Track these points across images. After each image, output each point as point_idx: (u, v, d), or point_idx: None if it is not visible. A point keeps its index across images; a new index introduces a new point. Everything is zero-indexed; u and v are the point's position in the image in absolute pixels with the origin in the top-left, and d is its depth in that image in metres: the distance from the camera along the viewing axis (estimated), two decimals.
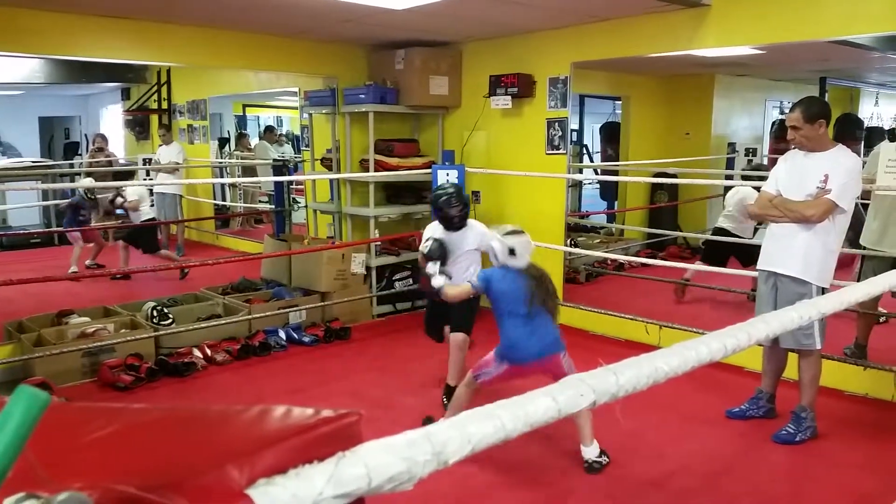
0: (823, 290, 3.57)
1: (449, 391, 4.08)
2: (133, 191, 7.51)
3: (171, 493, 0.60)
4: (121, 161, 10.83)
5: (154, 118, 10.77)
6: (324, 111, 6.71)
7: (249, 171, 10.71)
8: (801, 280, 3.56)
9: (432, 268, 3.76)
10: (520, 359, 3.43)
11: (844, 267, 4.60)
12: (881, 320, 4.93)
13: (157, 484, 0.60)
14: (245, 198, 11.28)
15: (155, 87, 10.46)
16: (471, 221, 4.37)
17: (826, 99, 7.44)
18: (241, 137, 11.66)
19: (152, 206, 8.12)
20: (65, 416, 0.77)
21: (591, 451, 3.41)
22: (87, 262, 7.76)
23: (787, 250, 3.61)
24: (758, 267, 3.84)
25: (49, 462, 0.64)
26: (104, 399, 4.37)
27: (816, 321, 3.55)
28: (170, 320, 5.25)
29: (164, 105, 10.46)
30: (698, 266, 5.85)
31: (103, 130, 12.77)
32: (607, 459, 3.43)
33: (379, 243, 6.42)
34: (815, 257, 3.54)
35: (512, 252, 3.42)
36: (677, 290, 6.41)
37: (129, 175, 7.83)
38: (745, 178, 6.36)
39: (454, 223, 4.24)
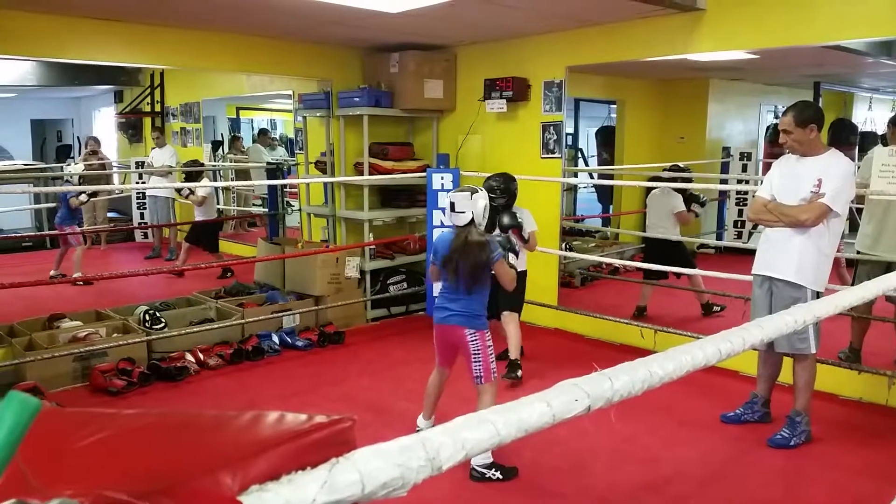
0: (818, 294, 3.58)
1: (512, 365, 4.51)
2: (203, 189, 7.62)
3: (163, 499, 0.59)
4: (114, 164, 10.80)
5: (147, 121, 10.75)
6: (318, 114, 6.70)
7: (243, 174, 10.70)
8: (796, 284, 3.58)
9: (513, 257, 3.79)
10: (434, 318, 3.53)
11: None
12: None
13: (148, 490, 0.59)
14: (239, 201, 11.26)
15: (148, 90, 10.44)
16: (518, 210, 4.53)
17: (820, 104, 7.48)
18: (235, 140, 11.65)
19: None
20: (56, 421, 0.76)
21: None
22: (52, 272, 7.69)
23: (781, 254, 3.62)
24: (753, 271, 3.85)
25: (40, 468, 0.63)
26: (96, 404, 4.35)
27: (811, 325, 3.56)
28: (162, 324, 5.23)
29: (157, 108, 10.44)
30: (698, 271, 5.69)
31: (96, 133, 12.74)
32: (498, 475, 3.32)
33: (373, 247, 6.41)
34: (810, 261, 3.55)
35: (452, 207, 3.39)
36: (704, 305, 6.14)
37: (199, 175, 7.83)
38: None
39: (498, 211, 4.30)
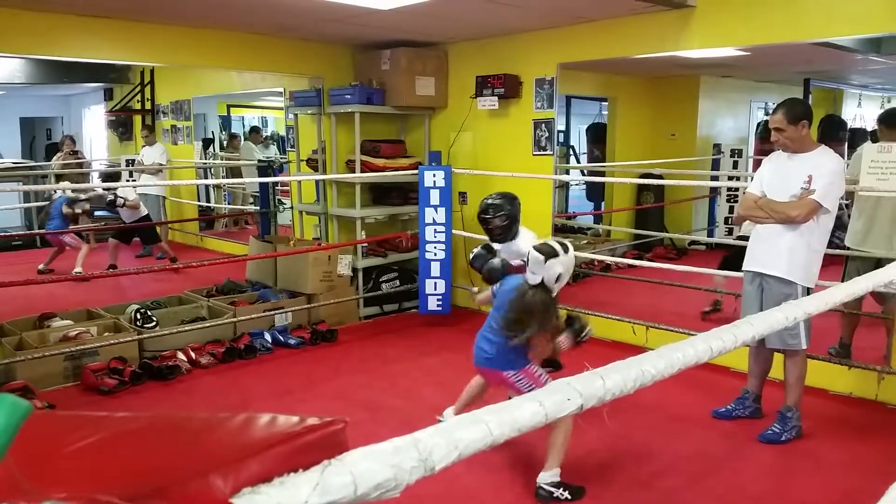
0: (809, 291, 3.60)
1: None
2: (131, 191, 7.73)
3: (154, 502, 0.59)
4: (91, 163, 10.79)
5: (137, 119, 10.70)
6: (309, 112, 6.68)
7: (235, 172, 10.66)
8: (786, 280, 3.59)
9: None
10: (475, 358, 3.40)
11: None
12: None
13: (141, 493, 0.59)
14: (234, 200, 11.24)
15: (138, 88, 10.38)
16: (523, 231, 4.08)
17: (810, 100, 7.52)
18: (233, 138, 11.62)
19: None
20: (47, 424, 0.76)
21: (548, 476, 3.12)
22: (41, 266, 7.71)
23: (772, 251, 3.64)
24: (744, 268, 3.86)
25: (31, 472, 0.63)
26: (87, 403, 4.33)
27: (802, 321, 3.58)
28: (153, 323, 5.21)
29: (148, 105, 10.39)
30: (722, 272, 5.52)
31: (86, 131, 12.67)
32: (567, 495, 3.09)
33: (365, 245, 6.40)
34: (801, 258, 3.57)
35: (537, 262, 3.07)
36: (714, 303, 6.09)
37: (118, 176, 7.90)
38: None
39: (496, 235, 4.04)
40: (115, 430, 0.73)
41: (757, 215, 3.70)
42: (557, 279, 3.09)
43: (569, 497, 3.07)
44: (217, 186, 10.84)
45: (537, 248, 3.10)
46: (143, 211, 7.99)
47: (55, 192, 8.28)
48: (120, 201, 7.59)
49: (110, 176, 7.78)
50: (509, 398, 0.88)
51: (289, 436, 0.68)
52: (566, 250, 3.11)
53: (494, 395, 3.41)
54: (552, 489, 3.07)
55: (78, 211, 7.72)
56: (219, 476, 0.62)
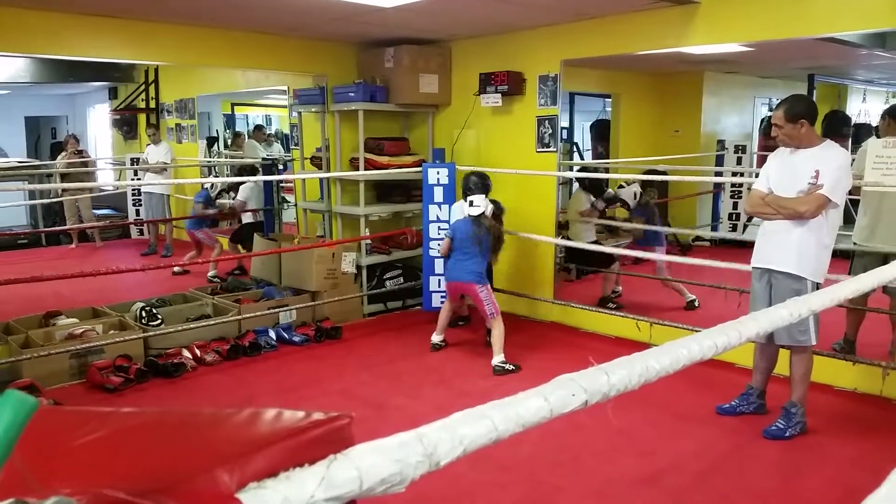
0: (818, 286, 3.58)
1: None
2: (242, 192, 7.69)
3: (161, 497, 0.59)
4: (96, 161, 10.81)
5: (142, 117, 10.71)
6: (313, 110, 6.68)
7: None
8: (796, 276, 3.58)
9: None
10: (447, 278, 5.13)
11: None
12: None
13: (147, 488, 0.59)
14: None
15: (142, 86, 10.40)
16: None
17: (814, 96, 7.48)
18: (237, 137, 11.63)
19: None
20: (54, 420, 0.76)
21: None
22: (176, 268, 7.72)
23: (781, 247, 3.62)
24: (752, 264, 3.85)
25: (38, 467, 0.63)
26: (93, 401, 4.34)
27: (812, 316, 3.57)
28: (159, 321, 5.22)
29: (152, 104, 10.40)
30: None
31: (91, 130, 12.69)
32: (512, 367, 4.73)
33: (369, 242, 6.40)
34: (810, 253, 3.56)
35: (471, 203, 4.90)
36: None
37: (238, 184, 7.88)
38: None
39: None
40: (121, 426, 0.73)
41: (765, 212, 3.69)
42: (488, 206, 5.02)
43: (512, 368, 4.74)
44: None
45: (475, 193, 4.97)
46: (246, 217, 7.90)
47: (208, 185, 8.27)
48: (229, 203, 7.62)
49: (235, 184, 7.77)
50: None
51: (294, 431, 0.68)
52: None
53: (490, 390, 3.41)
54: (503, 365, 4.73)
55: (210, 210, 7.74)
56: (225, 471, 0.62)
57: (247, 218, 7.92)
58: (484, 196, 4.95)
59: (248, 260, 7.14)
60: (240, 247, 7.67)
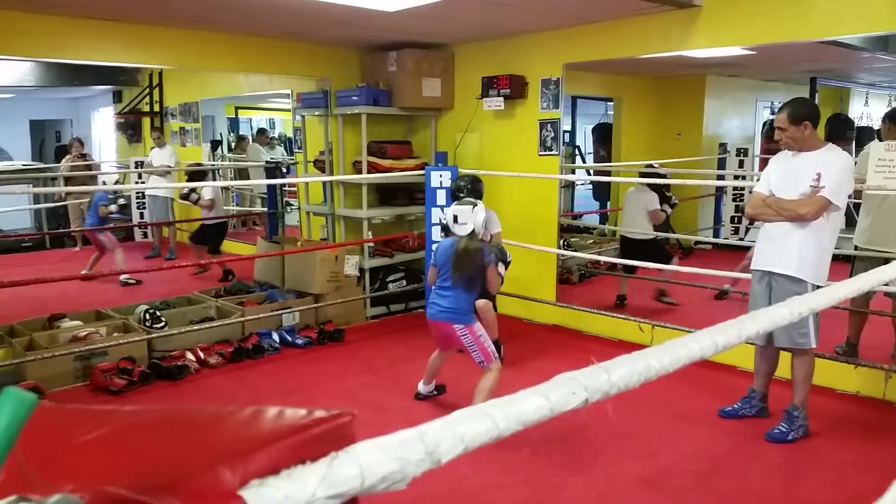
0: (818, 289, 3.57)
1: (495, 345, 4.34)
2: (209, 190, 7.49)
3: (163, 495, 0.59)
4: (100, 165, 10.82)
5: (146, 121, 10.74)
6: (316, 113, 6.70)
7: (243, 173, 10.70)
8: (796, 279, 3.58)
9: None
10: (428, 314, 3.94)
11: None
12: None
13: (149, 485, 0.60)
14: (243, 202, 11.27)
15: (147, 90, 10.43)
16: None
17: (816, 99, 7.48)
18: (241, 140, 11.66)
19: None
20: (56, 418, 0.76)
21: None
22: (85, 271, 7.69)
23: (782, 249, 3.62)
24: (752, 267, 3.85)
25: (40, 464, 0.64)
26: (96, 403, 4.32)
27: (811, 319, 3.57)
28: (162, 323, 5.24)
29: (156, 108, 10.43)
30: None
31: (95, 133, 12.71)
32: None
33: (372, 245, 6.41)
34: (810, 256, 3.56)
35: (455, 219, 3.76)
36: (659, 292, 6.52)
37: (203, 174, 7.72)
38: (645, 174, 6.45)
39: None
40: (123, 423, 0.74)
41: (766, 213, 3.69)
42: (485, 224, 3.85)
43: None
44: (225, 188, 10.86)
45: (461, 204, 3.82)
46: (218, 212, 7.67)
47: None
48: (194, 196, 7.44)
49: (197, 173, 7.57)
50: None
51: (296, 428, 0.69)
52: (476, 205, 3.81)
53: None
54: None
55: (112, 209, 7.54)
56: (227, 468, 0.63)
57: (207, 216, 7.68)
58: (473, 207, 3.77)
59: (232, 263, 7.09)
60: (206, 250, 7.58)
